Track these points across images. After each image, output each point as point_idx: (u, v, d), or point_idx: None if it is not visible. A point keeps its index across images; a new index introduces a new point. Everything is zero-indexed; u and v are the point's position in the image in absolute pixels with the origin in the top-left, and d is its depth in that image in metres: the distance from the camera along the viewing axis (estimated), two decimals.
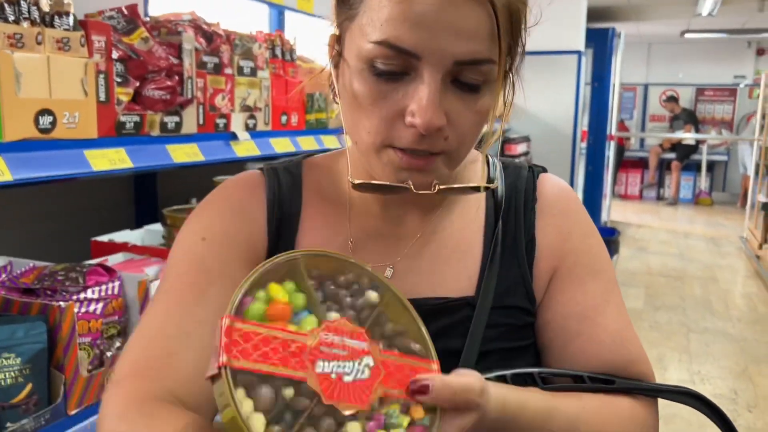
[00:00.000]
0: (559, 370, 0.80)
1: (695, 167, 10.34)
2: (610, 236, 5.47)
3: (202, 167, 1.72)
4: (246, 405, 0.52)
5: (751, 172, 9.33)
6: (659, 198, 10.69)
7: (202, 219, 0.81)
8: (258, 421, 0.51)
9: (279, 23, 3.16)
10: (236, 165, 2.00)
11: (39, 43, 1.25)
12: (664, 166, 10.63)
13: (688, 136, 9.71)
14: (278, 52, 2.05)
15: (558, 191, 0.87)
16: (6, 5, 1.20)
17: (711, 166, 10.52)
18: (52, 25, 1.29)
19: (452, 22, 0.64)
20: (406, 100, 0.67)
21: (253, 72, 1.88)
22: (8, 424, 1.05)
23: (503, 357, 0.78)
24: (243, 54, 1.84)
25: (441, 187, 0.73)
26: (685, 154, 10.26)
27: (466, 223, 0.84)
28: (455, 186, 0.76)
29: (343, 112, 0.76)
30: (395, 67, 0.66)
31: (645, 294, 5.32)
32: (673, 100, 10.47)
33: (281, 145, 1.98)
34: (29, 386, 1.09)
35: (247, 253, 0.78)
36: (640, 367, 0.81)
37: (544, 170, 0.90)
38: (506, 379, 0.74)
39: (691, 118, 10.28)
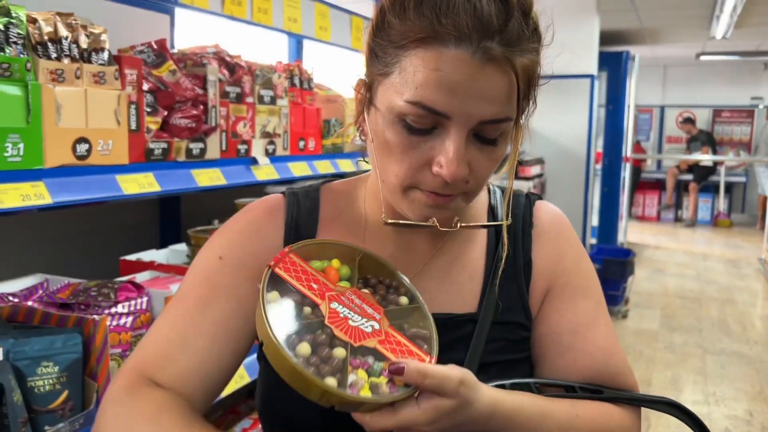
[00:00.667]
0: (553, 380, 0.87)
1: (713, 188, 10.30)
2: (626, 257, 5.48)
3: (223, 190, 1.82)
4: (272, 295, 0.71)
5: None
6: (677, 219, 10.66)
7: (223, 238, 0.90)
8: (271, 311, 0.69)
9: (297, 51, 3.28)
10: (256, 188, 2.10)
11: (78, 78, 1.36)
12: (681, 188, 10.60)
13: (704, 158, 9.70)
14: (297, 81, 2.16)
15: (552, 218, 0.95)
16: (49, 44, 1.32)
17: (729, 187, 10.47)
18: (89, 61, 1.41)
19: (480, 89, 0.71)
20: (433, 152, 0.75)
21: (273, 100, 1.99)
22: (46, 428, 1.14)
23: (502, 369, 0.85)
24: (263, 84, 1.95)
25: (462, 225, 0.84)
26: (703, 175, 10.23)
27: (471, 247, 0.91)
28: (475, 224, 0.87)
29: (372, 151, 0.83)
30: (426, 124, 0.74)
31: (661, 315, 5.32)
32: (689, 121, 10.49)
33: (299, 169, 2.08)
34: (65, 393, 1.18)
35: (259, 273, 0.85)
36: (625, 378, 0.89)
37: (540, 198, 0.98)
38: (505, 387, 0.82)
39: (708, 140, 10.27)
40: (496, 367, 0.85)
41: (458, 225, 0.83)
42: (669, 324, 5.09)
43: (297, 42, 3.25)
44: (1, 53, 1.21)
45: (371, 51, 0.79)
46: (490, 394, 0.74)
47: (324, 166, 2.22)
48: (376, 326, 0.73)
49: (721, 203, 10.29)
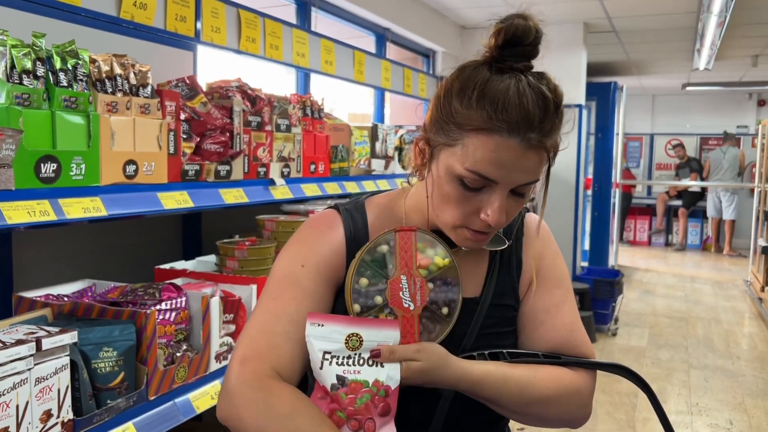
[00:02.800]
0: (521, 350, 1.11)
1: (702, 214, 10.57)
2: (614, 278, 5.70)
3: (243, 208, 2.04)
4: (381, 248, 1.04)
5: (726, 216, 9.69)
6: (668, 244, 10.91)
7: (300, 250, 1.09)
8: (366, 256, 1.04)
9: (305, 83, 3.54)
10: (273, 206, 2.33)
11: (128, 109, 1.60)
12: (671, 213, 10.88)
13: (691, 184, 9.98)
14: (308, 111, 2.40)
15: (535, 226, 1.20)
16: (106, 80, 1.56)
17: None
18: (137, 95, 1.64)
19: (522, 165, 0.95)
20: (482, 204, 0.99)
21: (288, 128, 2.23)
22: (108, 402, 1.35)
23: (495, 338, 1.10)
24: (280, 114, 2.19)
25: (484, 247, 1.10)
26: (692, 201, 10.52)
27: (476, 254, 1.15)
28: (489, 247, 1.11)
29: (431, 192, 1.05)
30: (477, 185, 0.98)
31: (649, 333, 5.53)
32: (680, 146, 10.81)
33: (310, 190, 2.31)
34: (122, 374, 1.39)
35: (332, 278, 1.07)
36: (584, 349, 1.13)
37: (528, 211, 1.24)
38: (485, 355, 1.07)
39: (697, 166, 10.58)
40: (491, 337, 1.10)
41: (486, 247, 1.10)
42: (656, 341, 5.30)
43: (305, 74, 3.51)
44: (70, 89, 1.45)
45: (436, 122, 1.01)
46: (458, 365, 1.00)
47: (332, 188, 2.45)
48: (411, 307, 1.02)
49: (710, 228, 10.55)
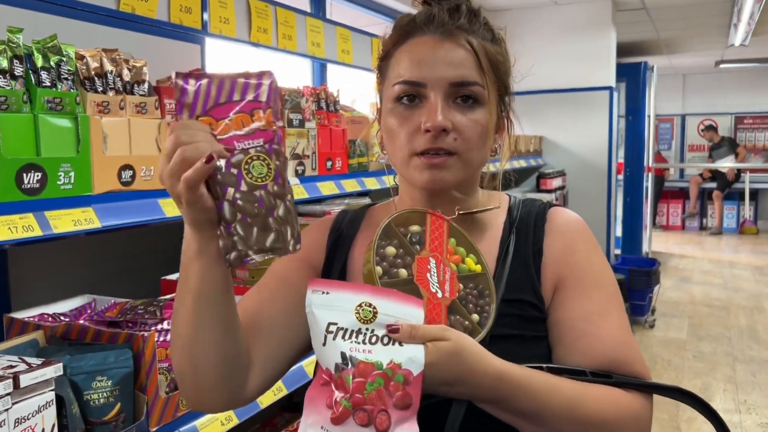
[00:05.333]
0: (564, 366, 0.92)
1: (738, 196, 10.21)
2: (650, 267, 5.46)
3: None
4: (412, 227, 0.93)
5: None
6: (702, 228, 10.56)
7: None
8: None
9: (321, 74, 3.38)
10: None
11: (121, 108, 1.46)
12: (705, 196, 10.52)
13: (725, 165, 9.63)
14: (323, 104, 2.24)
15: (567, 217, 1.04)
16: (96, 78, 1.41)
17: (754, 194, 10.37)
18: (132, 93, 1.50)
19: (443, 58, 0.93)
20: (421, 117, 0.93)
21: (301, 123, 2.07)
22: None
23: (516, 344, 0.93)
24: (292, 108, 2.03)
25: (461, 212, 0.98)
26: (727, 183, 10.15)
27: (486, 238, 1.02)
28: (472, 211, 1.00)
29: (386, 149, 1.01)
30: (409, 93, 0.94)
31: (688, 324, 5.29)
32: (711, 129, 10.43)
33: (327, 188, 2.15)
34: (118, 405, 1.26)
35: (306, 259, 1.04)
36: (637, 367, 0.94)
37: (558, 205, 1.08)
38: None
39: (733, 147, 10.21)
40: (511, 341, 0.92)
41: (458, 212, 0.97)
42: (697, 333, 5.06)
43: (321, 65, 3.35)
44: (54, 89, 1.30)
45: (377, 76, 1.03)
46: (498, 362, 0.82)
47: (351, 185, 2.29)
48: (439, 294, 0.87)
49: (747, 210, 10.18)
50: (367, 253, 0.88)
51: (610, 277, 0.99)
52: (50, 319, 1.48)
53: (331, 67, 3.44)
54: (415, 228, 0.93)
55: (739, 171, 10.05)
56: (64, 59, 1.34)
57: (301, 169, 2.06)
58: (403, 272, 0.87)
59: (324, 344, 0.76)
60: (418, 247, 0.91)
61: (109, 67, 1.44)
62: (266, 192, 0.78)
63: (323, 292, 0.79)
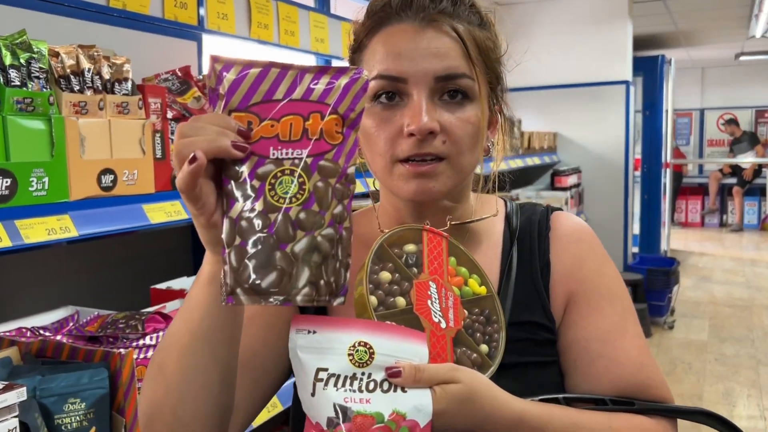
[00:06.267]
0: (582, 394, 0.84)
1: (759, 191, 9.97)
2: (669, 267, 5.31)
3: None
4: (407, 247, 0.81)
5: None
6: (722, 225, 10.34)
7: None
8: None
9: None
10: None
11: (101, 109, 1.36)
12: (725, 192, 10.30)
13: (747, 160, 9.41)
14: None
15: (572, 224, 0.94)
16: (72, 77, 1.32)
17: None
18: (112, 92, 1.40)
19: (426, 48, 0.81)
20: (403, 119, 0.81)
21: None
22: None
23: (527, 371, 0.85)
24: None
25: (453, 222, 0.87)
26: (746, 180, 9.93)
27: (484, 252, 0.92)
28: (464, 221, 0.89)
29: (364, 155, 0.88)
30: (389, 89, 0.81)
31: (710, 325, 5.13)
32: (732, 122, 10.20)
33: None
34: (93, 430, 1.16)
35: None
36: (659, 391, 0.86)
37: (560, 209, 0.97)
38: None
39: (754, 141, 9.97)
40: (522, 369, 0.84)
41: (449, 223, 0.86)
42: (718, 334, 4.90)
43: (325, 62, 3.25)
44: (24, 89, 1.21)
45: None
46: (516, 403, 0.74)
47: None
48: (443, 324, 0.76)
49: None
50: (358, 276, 0.77)
51: (621, 288, 0.92)
52: (29, 333, 1.39)
53: (335, 63, 3.34)
54: (410, 247, 0.82)
55: (760, 167, 9.82)
56: (35, 56, 1.25)
57: None
58: (401, 301, 0.76)
59: (313, 394, 0.66)
60: (415, 269, 0.80)
61: (86, 64, 1.35)
62: (285, 217, 0.62)
63: (309, 332, 0.68)
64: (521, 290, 0.88)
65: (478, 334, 0.80)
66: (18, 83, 1.21)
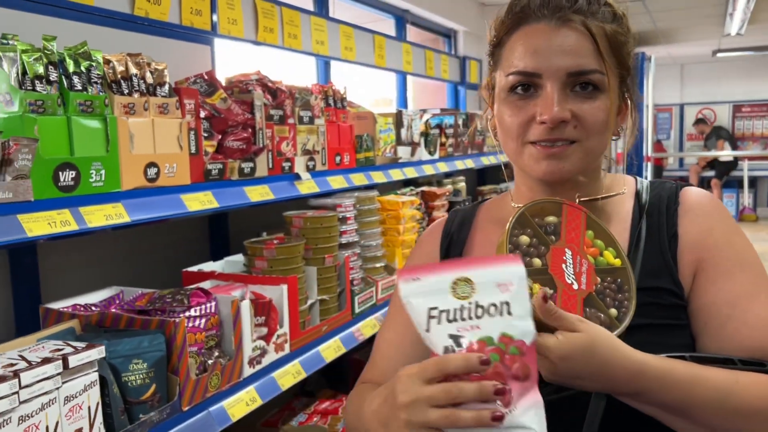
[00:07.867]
0: (710, 354, 0.86)
1: (737, 184, 10.28)
2: None
3: (268, 205, 1.98)
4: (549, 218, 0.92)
5: None
6: None
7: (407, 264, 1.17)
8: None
9: (325, 70, 3.46)
10: (300, 201, 2.26)
11: (145, 109, 1.54)
12: (705, 184, 10.60)
13: (722, 153, 9.71)
14: (331, 101, 2.32)
15: (701, 197, 0.99)
16: (122, 81, 1.50)
17: (753, 181, 10.45)
18: (154, 94, 1.58)
19: (559, 46, 0.90)
20: (536, 108, 0.92)
21: (311, 120, 2.16)
22: (140, 416, 1.31)
23: (653, 332, 0.89)
24: (302, 105, 2.12)
25: (582, 198, 0.97)
26: (724, 171, 10.23)
27: (614, 226, 0.98)
28: (593, 198, 0.98)
29: (500, 139, 1.00)
30: (524, 82, 0.92)
31: None
32: (701, 122, 10.53)
33: (337, 182, 2.24)
34: (154, 386, 1.35)
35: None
36: None
37: (690, 185, 1.04)
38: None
39: (723, 135, 10.28)
40: (647, 330, 0.88)
41: (578, 199, 0.96)
42: None
43: (324, 63, 3.43)
44: (85, 93, 1.39)
45: (489, 62, 1.01)
46: (636, 355, 0.78)
47: (358, 179, 2.38)
48: (575, 286, 0.85)
49: (746, 198, 10.26)
50: (500, 240, 0.88)
51: (753, 256, 0.94)
52: (82, 309, 1.57)
53: (334, 64, 3.52)
54: (551, 219, 0.91)
55: (736, 158, 10.12)
56: (94, 64, 1.42)
57: (311, 164, 2.15)
58: (537, 261, 0.86)
59: (428, 330, 0.74)
60: (553, 237, 0.89)
61: (133, 70, 1.53)
62: None
63: (414, 279, 0.76)
64: (649, 259, 0.93)
65: (608, 299, 0.85)
66: (80, 88, 1.38)
